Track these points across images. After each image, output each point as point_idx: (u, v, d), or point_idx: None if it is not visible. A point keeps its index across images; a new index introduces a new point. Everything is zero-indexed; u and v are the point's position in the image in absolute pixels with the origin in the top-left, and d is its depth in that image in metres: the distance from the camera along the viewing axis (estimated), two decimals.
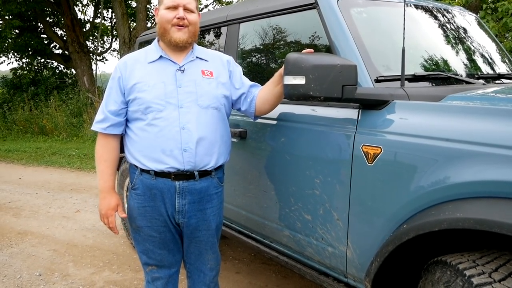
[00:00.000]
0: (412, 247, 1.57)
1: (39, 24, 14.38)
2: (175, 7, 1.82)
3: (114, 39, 16.47)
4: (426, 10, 2.36)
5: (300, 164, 1.97)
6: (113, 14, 15.29)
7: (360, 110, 1.75)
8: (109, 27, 16.10)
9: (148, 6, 13.78)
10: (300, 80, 1.64)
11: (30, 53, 14.05)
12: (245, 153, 2.30)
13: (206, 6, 17.68)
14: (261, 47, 2.40)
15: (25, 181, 6.48)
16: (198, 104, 1.84)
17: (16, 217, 4.71)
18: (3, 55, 13.97)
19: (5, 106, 12.37)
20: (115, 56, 23.42)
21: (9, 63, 21.39)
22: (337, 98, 1.65)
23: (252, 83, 2.05)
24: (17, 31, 13.35)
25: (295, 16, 2.17)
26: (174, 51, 1.89)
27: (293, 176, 2.01)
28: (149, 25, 14.76)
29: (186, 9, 1.83)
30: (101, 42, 14.67)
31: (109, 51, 16.31)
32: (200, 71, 1.90)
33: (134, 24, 13.60)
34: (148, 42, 3.74)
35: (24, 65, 14.44)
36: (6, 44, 13.05)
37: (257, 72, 2.48)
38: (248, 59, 2.53)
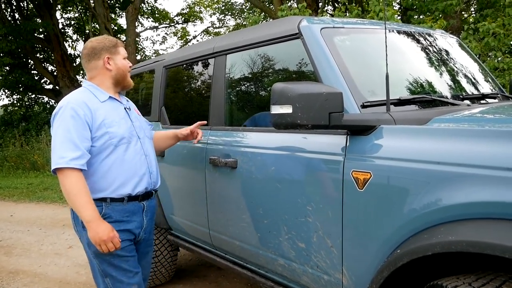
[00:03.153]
0: (408, 271, 1.56)
1: (29, 60, 14.49)
2: (125, 58, 2.18)
3: None
4: (409, 34, 2.41)
5: (292, 192, 1.96)
6: None
7: (348, 136, 1.76)
8: None
9: (137, 39, 13.99)
10: (287, 109, 1.66)
11: (21, 89, 14.10)
12: (236, 183, 2.30)
13: (194, 37, 17.96)
14: (249, 77, 2.43)
15: (17, 218, 6.39)
16: (146, 135, 2.24)
17: (7, 256, 4.62)
18: None
19: None
20: None
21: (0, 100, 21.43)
22: (325, 126, 1.66)
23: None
24: (7, 68, 13.42)
25: (280, 46, 2.21)
26: (114, 93, 2.17)
27: (285, 204, 2.00)
28: (138, 57, 14.93)
29: None
30: None
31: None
32: (134, 109, 2.28)
33: None
34: (138, 75, 3.78)
35: (15, 101, 14.46)
36: None
37: (246, 101, 2.51)
38: (236, 89, 2.55)
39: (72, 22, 16.14)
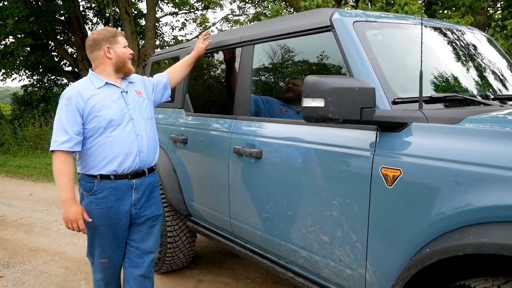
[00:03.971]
0: (434, 270, 1.56)
1: (50, 42, 14.62)
2: (126, 46, 2.39)
3: None
4: (439, 30, 2.38)
5: (317, 185, 1.97)
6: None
7: (378, 132, 1.76)
8: None
9: (156, 24, 14.00)
10: (319, 103, 1.66)
11: (41, 70, 14.24)
12: (260, 173, 2.31)
13: (214, 24, 17.91)
14: (276, 68, 2.43)
15: (36, 197, 6.52)
16: (142, 116, 2.39)
17: (28, 234, 4.73)
18: (15, 72, 14.15)
19: (16, 122, 12.49)
20: None
21: (20, 80, 21.69)
22: (356, 121, 1.66)
23: (156, 76, 2.71)
24: (28, 49, 13.56)
25: (310, 38, 2.20)
26: (115, 78, 2.38)
27: (310, 197, 2.01)
28: (157, 42, 14.98)
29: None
30: None
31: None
32: (134, 91, 2.44)
33: (143, 42, 13.76)
34: (159, 62, 3.80)
35: (35, 82, 14.62)
36: (18, 62, 13.23)
37: (272, 92, 2.50)
38: (262, 79, 2.55)
39: (93, 5, 16.21)
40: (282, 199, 2.18)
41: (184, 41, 16.37)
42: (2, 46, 11.93)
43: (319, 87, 1.65)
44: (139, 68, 11.92)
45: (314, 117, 1.68)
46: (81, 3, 14.66)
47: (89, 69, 2.43)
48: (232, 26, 16.91)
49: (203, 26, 17.00)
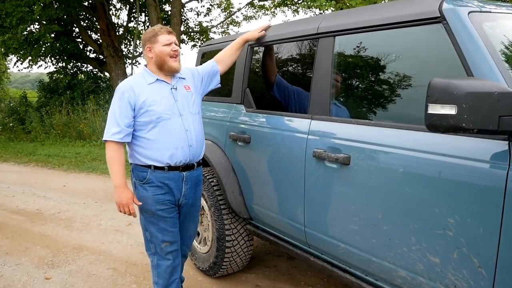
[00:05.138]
0: None
1: (74, 28, 14.49)
2: (170, 44, 2.44)
3: None
4: None
5: (427, 199, 1.73)
6: (147, 18, 15.29)
7: (510, 143, 1.51)
8: (141, 31, 16.10)
9: (182, 10, 13.72)
10: (450, 110, 1.42)
11: (66, 57, 14.14)
12: (348, 181, 2.08)
13: (239, 10, 17.54)
14: (365, 63, 2.17)
15: (70, 189, 6.42)
16: (190, 112, 2.50)
17: (68, 230, 4.61)
18: (41, 59, 14.09)
19: (42, 110, 12.44)
20: None
21: (46, 67, 21.71)
22: (493, 131, 1.41)
23: (204, 66, 2.78)
24: (53, 35, 13.45)
25: (410, 30, 1.94)
26: (164, 76, 2.48)
27: (416, 212, 1.78)
28: (182, 28, 14.72)
29: (175, 44, 2.47)
30: (137, 46, 14.63)
31: (142, 55, 16.30)
32: (183, 87, 2.54)
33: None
34: (211, 52, 3.58)
35: (61, 69, 14.54)
36: (43, 49, 13.15)
37: (360, 91, 2.25)
38: (346, 76, 2.31)
39: None
40: (376, 212, 1.95)
41: (209, 27, 16.05)
42: (27, 33, 11.79)
43: (451, 92, 1.41)
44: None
45: (443, 126, 1.44)
46: None
47: (144, 65, 2.56)
48: (257, 12, 16.51)
49: (228, 11, 16.64)
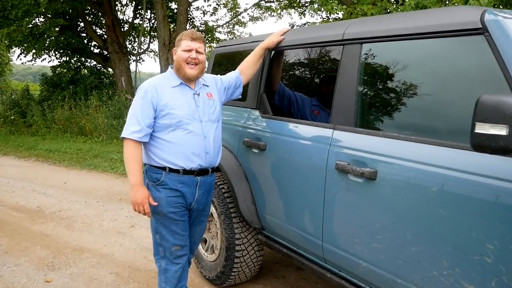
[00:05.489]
0: None
1: (79, 23, 14.38)
2: (189, 50, 2.39)
3: (151, 40, 16.38)
4: None
5: (464, 223, 1.62)
6: (152, 15, 15.19)
7: None
8: (146, 28, 15.99)
9: (188, 8, 13.61)
10: (500, 131, 1.31)
11: (70, 51, 14.03)
12: (373, 198, 1.97)
13: (245, 10, 17.45)
14: (396, 73, 2.06)
15: (71, 186, 6.31)
16: (210, 119, 2.48)
17: (69, 230, 4.49)
18: (44, 52, 13.96)
19: (44, 104, 12.31)
20: (151, 57, 23.47)
21: (50, 61, 21.57)
22: None
23: (228, 76, 2.74)
24: (57, 29, 13.34)
25: (446, 41, 1.83)
26: (187, 80, 2.45)
27: (450, 235, 1.67)
28: (188, 27, 14.61)
29: (197, 51, 2.41)
30: (142, 42, 14.53)
31: (146, 52, 16.20)
32: (206, 94, 2.53)
33: (174, 26, 13.42)
34: (225, 55, 3.47)
35: (64, 63, 14.42)
36: (48, 42, 13.04)
37: (388, 103, 2.14)
38: (374, 86, 2.20)
39: None
40: (404, 231, 1.84)
41: (214, 26, 15.95)
42: (32, 25, 11.68)
43: (503, 111, 1.30)
44: (170, 53, 11.61)
45: (492, 147, 1.34)
46: None
47: (170, 66, 2.53)
48: (263, 13, 16.41)
49: (234, 11, 16.54)
